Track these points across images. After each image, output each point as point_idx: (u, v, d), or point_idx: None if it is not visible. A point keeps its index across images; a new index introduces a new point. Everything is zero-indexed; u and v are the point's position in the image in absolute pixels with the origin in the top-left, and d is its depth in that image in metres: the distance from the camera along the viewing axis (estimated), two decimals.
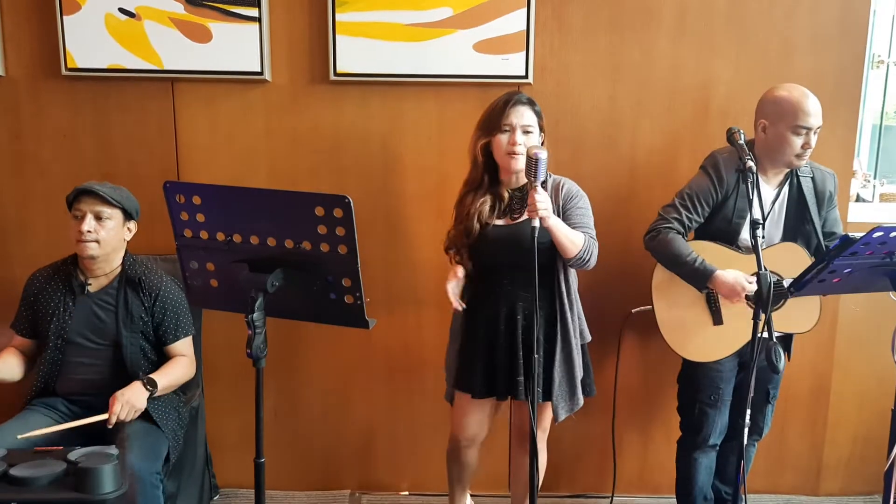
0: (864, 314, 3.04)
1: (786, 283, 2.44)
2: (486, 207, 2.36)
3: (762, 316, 2.08)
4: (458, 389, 2.50)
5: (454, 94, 2.84)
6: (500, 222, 2.38)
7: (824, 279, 2.07)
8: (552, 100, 2.89)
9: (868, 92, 3.42)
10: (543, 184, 2.25)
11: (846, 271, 2.05)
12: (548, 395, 2.41)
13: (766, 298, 2.04)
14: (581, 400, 2.47)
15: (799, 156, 2.42)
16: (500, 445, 2.95)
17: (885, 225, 1.93)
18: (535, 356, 2.11)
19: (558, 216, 2.32)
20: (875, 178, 3.43)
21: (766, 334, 2.06)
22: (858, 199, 3.40)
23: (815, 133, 2.41)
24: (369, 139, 2.92)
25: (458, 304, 2.34)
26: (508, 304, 2.38)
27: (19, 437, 2.22)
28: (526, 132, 2.31)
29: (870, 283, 2.14)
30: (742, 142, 2.34)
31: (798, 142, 2.40)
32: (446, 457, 2.69)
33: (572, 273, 2.45)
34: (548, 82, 2.89)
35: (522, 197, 2.33)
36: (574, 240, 2.29)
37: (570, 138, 2.92)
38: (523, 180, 2.32)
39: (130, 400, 2.33)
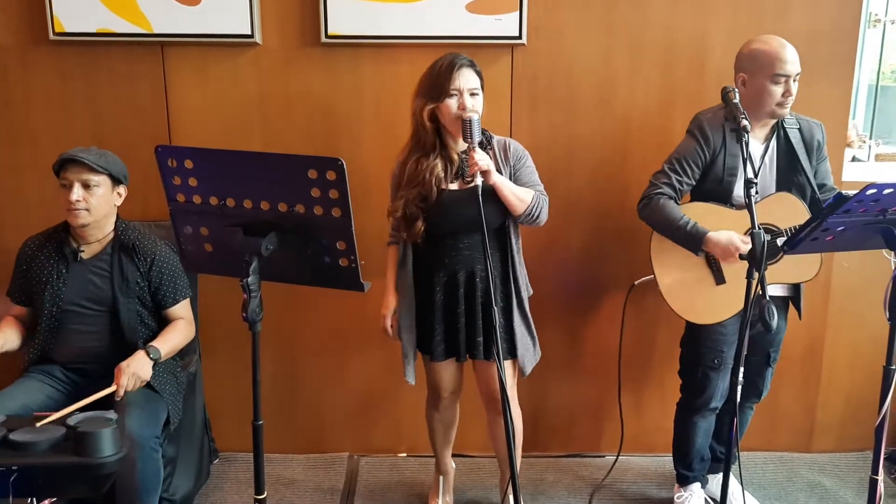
0: (857, 272, 3.05)
1: (779, 242, 2.44)
2: (440, 171, 2.35)
3: (755, 274, 2.08)
4: (420, 352, 2.55)
5: None
6: (454, 186, 2.39)
7: (817, 237, 2.07)
8: (546, 60, 2.87)
9: (864, 51, 3.38)
10: (483, 144, 2.32)
11: (839, 229, 2.05)
12: (512, 353, 2.47)
13: (759, 258, 2.04)
14: (540, 351, 2.55)
15: (780, 104, 2.43)
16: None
17: (879, 182, 1.92)
18: (495, 308, 2.14)
19: (510, 177, 2.37)
20: (871, 138, 3.41)
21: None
22: (854, 159, 3.37)
23: (794, 80, 2.42)
24: (362, 101, 2.90)
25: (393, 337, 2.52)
26: (467, 268, 2.41)
27: (38, 423, 2.17)
28: (472, 94, 2.31)
29: (863, 240, 2.14)
30: (737, 100, 2.32)
31: (778, 91, 2.41)
32: (427, 416, 2.74)
33: (517, 231, 2.48)
34: (542, 42, 2.86)
35: None
36: (521, 196, 2.34)
37: (565, 99, 2.91)
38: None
39: (137, 372, 2.35)
